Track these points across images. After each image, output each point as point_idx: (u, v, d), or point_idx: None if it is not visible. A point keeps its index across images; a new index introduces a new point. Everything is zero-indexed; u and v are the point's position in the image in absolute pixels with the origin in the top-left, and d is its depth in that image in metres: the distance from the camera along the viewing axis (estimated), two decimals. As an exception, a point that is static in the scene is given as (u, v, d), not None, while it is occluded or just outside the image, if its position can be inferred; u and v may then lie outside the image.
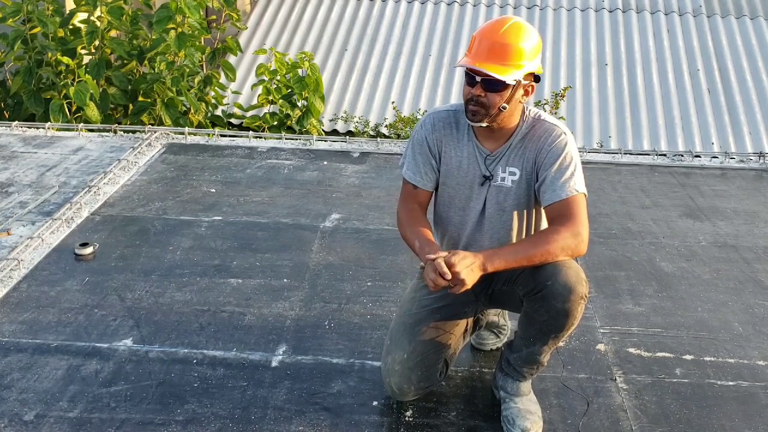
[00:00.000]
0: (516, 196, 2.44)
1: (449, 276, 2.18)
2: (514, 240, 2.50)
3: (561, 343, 2.48)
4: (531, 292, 2.34)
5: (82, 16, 6.65)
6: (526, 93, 2.38)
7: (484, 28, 2.35)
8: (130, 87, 6.72)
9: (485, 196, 2.47)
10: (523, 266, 2.29)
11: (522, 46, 2.29)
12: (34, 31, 6.41)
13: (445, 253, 2.23)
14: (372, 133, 7.69)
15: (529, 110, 2.46)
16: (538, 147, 2.40)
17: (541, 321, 2.35)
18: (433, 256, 2.23)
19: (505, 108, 2.34)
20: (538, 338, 2.40)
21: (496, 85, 2.29)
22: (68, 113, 6.13)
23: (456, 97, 8.01)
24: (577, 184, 2.36)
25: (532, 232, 2.52)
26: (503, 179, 2.44)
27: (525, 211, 2.48)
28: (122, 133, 5.46)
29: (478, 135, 2.47)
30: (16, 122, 5.58)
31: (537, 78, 2.37)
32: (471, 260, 2.20)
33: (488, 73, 2.27)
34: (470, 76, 2.33)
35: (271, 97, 6.81)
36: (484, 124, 2.37)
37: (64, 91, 6.13)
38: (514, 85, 2.31)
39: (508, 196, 2.44)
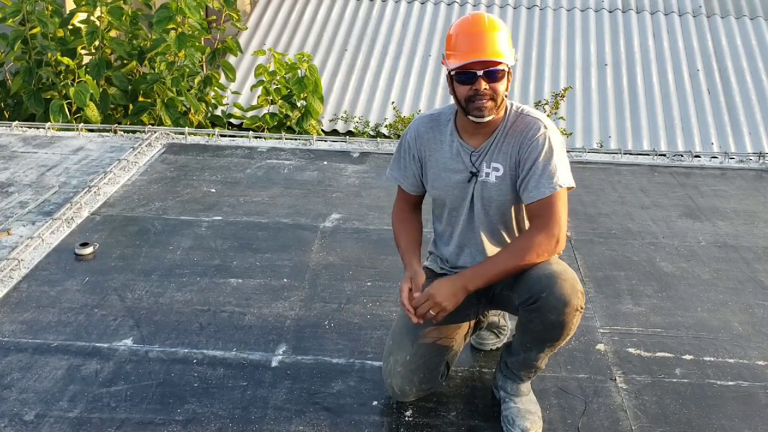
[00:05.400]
0: (501, 192, 2.44)
1: (415, 318, 2.36)
2: (505, 235, 2.51)
3: (557, 349, 2.47)
4: (526, 303, 2.33)
5: (81, 16, 6.65)
6: (508, 81, 2.39)
7: (464, 25, 2.36)
8: (130, 87, 6.72)
9: (472, 193, 2.47)
10: (505, 276, 2.35)
11: (503, 34, 2.34)
12: (34, 31, 6.41)
13: (417, 294, 2.39)
14: (372, 133, 7.70)
15: (512, 104, 2.47)
16: (519, 141, 2.40)
17: (536, 331, 2.35)
18: (407, 304, 2.38)
19: (506, 96, 2.37)
20: (534, 345, 2.40)
21: (496, 75, 2.31)
22: (68, 113, 6.13)
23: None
24: (560, 179, 2.35)
25: (524, 226, 2.52)
26: (488, 175, 2.44)
27: (512, 206, 2.48)
28: (122, 133, 5.46)
29: (461, 133, 2.48)
30: (16, 122, 5.58)
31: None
32: (450, 287, 2.31)
33: (494, 60, 2.28)
34: (467, 74, 2.31)
35: (270, 98, 6.81)
36: (492, 117, 2.36)
37: (64, 92, 6.13)
38: (508, 71, 2.34)
39: (493, 192, 2.44)
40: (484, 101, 2.32)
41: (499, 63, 2.30)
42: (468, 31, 2.34)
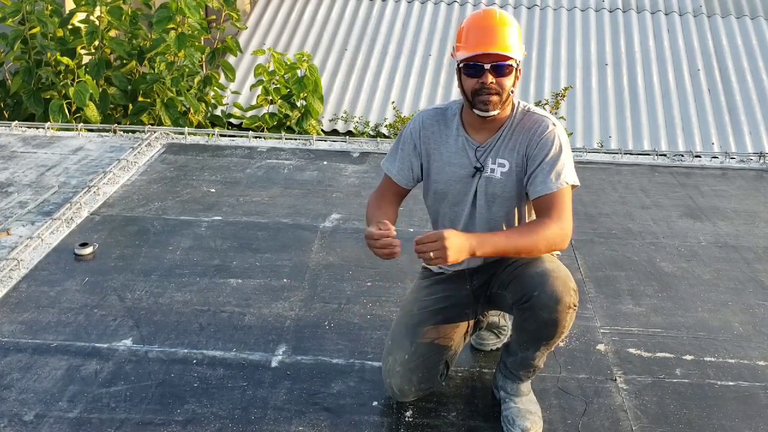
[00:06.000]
0: (506, 188, 2.44)
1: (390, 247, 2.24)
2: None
3: (554, 347, 2.47)
4: (519, 302, 2.33)
5: (81, 16, 6.64)
6: (517, 78, 2.40)
7: (475, 18, 2.37)
8: (129, 87, 6.71)
9: (476, 188, 2.47)
10: (511, 254, 2.30)
11: (514, 29, 2.35)
12: (34, 31, 6.41)
13: (392, 232, 2.27)
14: (372, 133, 7.69)
15: (519, 102, 2.47)
16: (528, 139, 2.40)
17: (531, 330, 2.35)
18: (376, 232, 2.24)
19: (512, 92, 2.38)
20: (530, 344, 2.40)
21: (504, 69, 2.31)
22: (68, 113, 6.13)
23: (456, 96, 7.99)
24: (567, 177, 2.36)
25: (525, 223, 2.51)
26: (493, 171, 2.44)
27: (516, 202, 2.47)
28: (122, 133, 5.46)
29: (467, 128, 2.48)
30: (16, 122, 5.58)
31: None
32: (462, 242, 2.18)
33: (502, 53, 2.28)
34: (474, 67, 2.32)
35: (270, 98, 6.80)
36: (497, 112, 2.37)
37: (64, 91, 6.13)
38: (516, 66, 2.34)
39: (498, 188, 2.44)
40: (491, 95, 2.33)
41: (508, 58, 2.30)
42: (479, 24, 2.35)
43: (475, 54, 2.30)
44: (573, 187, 2.40)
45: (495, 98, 2.34)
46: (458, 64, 2.37)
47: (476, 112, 2.38)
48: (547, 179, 2.35)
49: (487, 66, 2.30)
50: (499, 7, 9.49)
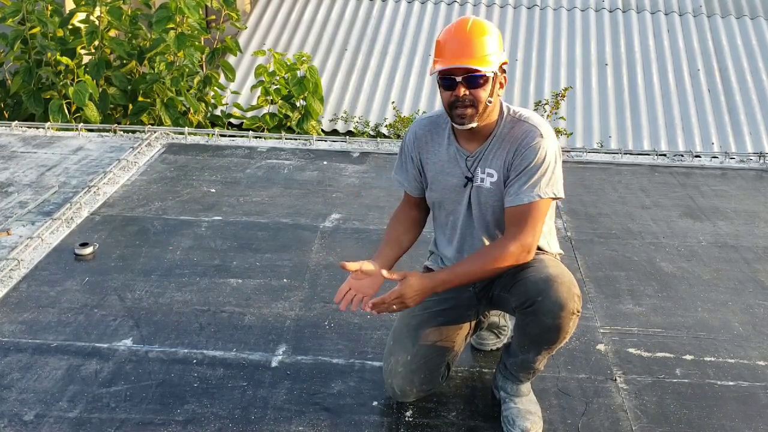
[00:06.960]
0: (497, 197, 2.42)
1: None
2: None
3: (555, 351, 2.47)
4: (522, 306, 2.33)
5: (81, 16, 6.65)
6: (501, 86, 2.38)
7: (448, 31, 2.35)
8: (129, 87, 6.71)
9: (469, 197, 2.47)
10: (476, 280, 2.40)
11: (489, 38, 2.31)
12: (34, 31, 6.41)
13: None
14: (372, 133, 7.69)
15: (508, 108, 2.45)
16: (515, 148, 2.37)
17: (533, 334, 2.35)
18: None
19: (490, 102, 2.34)
20: (531, 348, 2.40)
21: (477, 81, 2.29)
22: (67, 113, 6.13)
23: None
24: (541, 190, 2.33)
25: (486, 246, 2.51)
26: (482, 180, 2.43)
27: None
28: (122, 133, 5.46)
29: (458, 137, 2.47)
30: (16, 122, 5.58)
31: (503, 69, 2.39)
32: (421, 289, 2.29)
33: (471, 67, 2.26)
34: (448, 80, 2.30)
35: (270, 98, 6.80)
36: (474, 124, 2.35)
37: (64, 91, 6.13)
38: (494, 77, 2.32)
39: (489, 198, 2.43)
40: (465, 108, 2.31)
41: (480, 69, 2.28)
42: (451, 36, 2.32)
43: (447, 68, 2.28)
44: (556, 198, 2.39)
45: (470, 110, 2.32)
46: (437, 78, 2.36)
47: (455, 125, 2.39)
48: (519, 191, 2.33)
49: (459, 78, 2.28)
50: (499, 7, 9.49)
